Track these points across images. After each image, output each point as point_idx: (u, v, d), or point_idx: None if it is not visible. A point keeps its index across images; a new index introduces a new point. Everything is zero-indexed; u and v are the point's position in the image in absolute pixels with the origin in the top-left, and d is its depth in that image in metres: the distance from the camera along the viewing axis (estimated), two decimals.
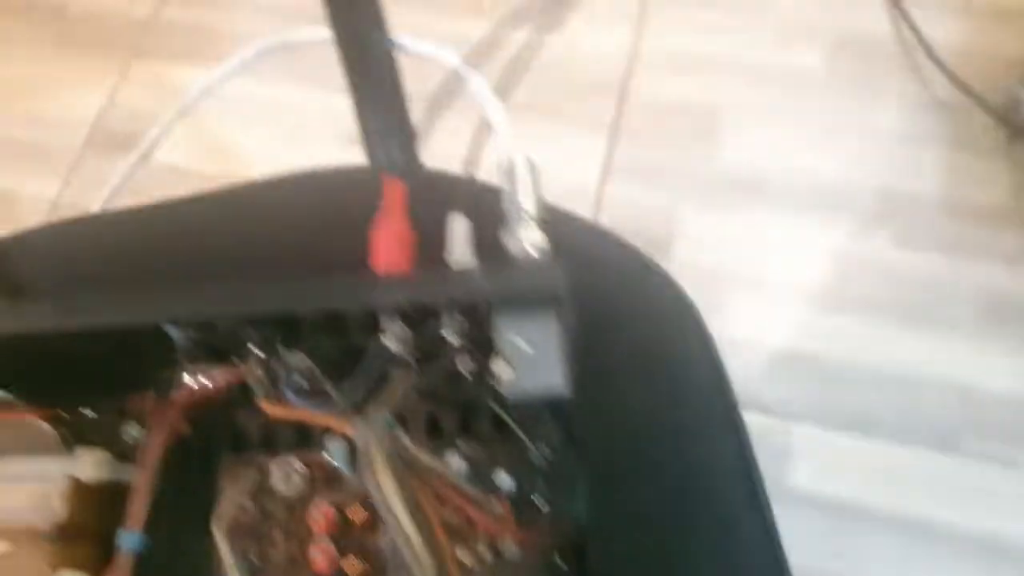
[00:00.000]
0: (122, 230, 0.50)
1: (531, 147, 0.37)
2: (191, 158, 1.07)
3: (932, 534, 0.84)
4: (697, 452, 0.37)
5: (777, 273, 1.00)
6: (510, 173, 0.35)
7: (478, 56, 1.10)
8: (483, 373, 0.33)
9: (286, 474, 0.35)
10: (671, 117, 1.09)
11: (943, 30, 1.06)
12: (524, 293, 0.31)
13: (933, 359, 0.93)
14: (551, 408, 0.32)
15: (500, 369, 0.31)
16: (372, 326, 0.33)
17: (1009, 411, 0.89)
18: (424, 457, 0.31)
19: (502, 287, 0.31)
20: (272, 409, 0.33)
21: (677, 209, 1.04)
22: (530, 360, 0.31)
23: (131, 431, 0.36)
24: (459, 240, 0.37)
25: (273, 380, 0.33)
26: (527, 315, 0.31)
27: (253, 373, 0.33)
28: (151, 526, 0.33)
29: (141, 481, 0.33)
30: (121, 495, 0.34)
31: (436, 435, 0.34)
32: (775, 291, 0.97)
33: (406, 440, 0.31)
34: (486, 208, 0.37)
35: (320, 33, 0.42)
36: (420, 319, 0.33)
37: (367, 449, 0.31)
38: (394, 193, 0.35)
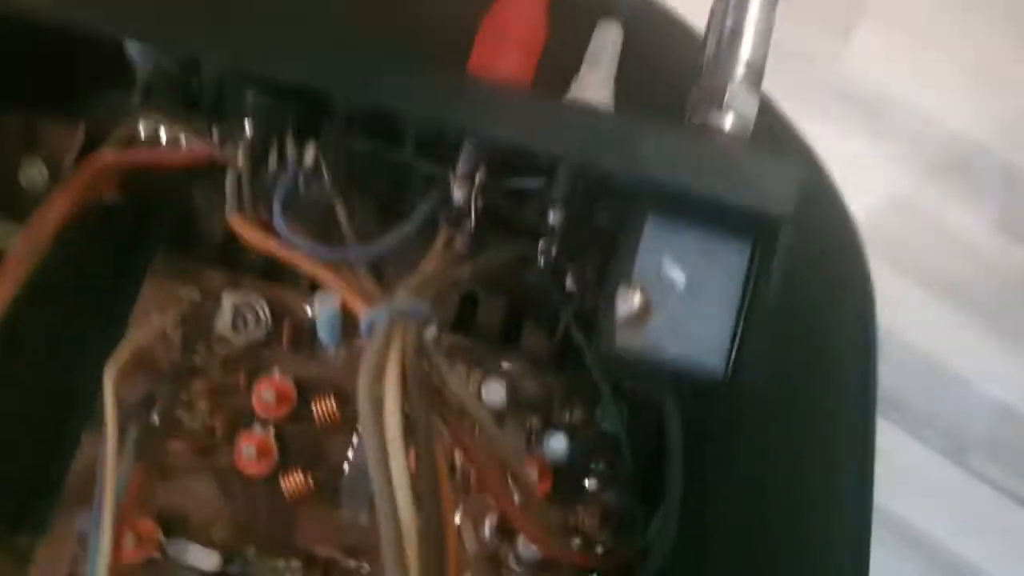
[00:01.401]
0: None
1: None
2: None
3: (911, 538, 0.77)
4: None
5: (856, 210, 0.86)
6: None
7: None
8: (584, 296, 0.21)
9: (240, 314, 0.23)
10: None
11: None
12: (717, 195, 0.18)
13: (982, 363, 0.82)
14: (675, 388, 0.20)
15: (621, 306, 0.18)
16: (438, 154, 0.20)
17: None
18: (456, 384, 0.19)
19: (679, 169, 0.18)
20: (245, 231, 0.20)
21: (776, 101, 0.88)
22: (680, 311, 0.18)
23: (34, 173, 0.24)
24: (605, 67, 0.23)
25: (260, 183, 0.21)
26: (704, 236, 0.18)
27: (234, 161, 0.20)
28: (16, 338, 0.21)
29: (17, 257, 0.21)
30: None
31: (477, 353, 0.22)
32: None
33: (439, 354, 0.19)
34: (668, 39, 0.23)
35: None
36: (514, 170, 0.20)
37: (377, 341, 0.18)
38: None
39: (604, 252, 0.21)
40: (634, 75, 0.24)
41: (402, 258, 0.21)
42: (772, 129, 0.29)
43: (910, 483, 0.79)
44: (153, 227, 0.24)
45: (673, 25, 0.29)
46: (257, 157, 0.20)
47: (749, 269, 0.18)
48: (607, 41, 0.24)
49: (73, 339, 0.24)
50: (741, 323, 0.18)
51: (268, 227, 0.20)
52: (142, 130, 0.22)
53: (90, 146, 0.24)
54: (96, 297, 0.24)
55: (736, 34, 0.20)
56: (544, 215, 0.20)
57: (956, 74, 0.87)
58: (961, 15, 0.89)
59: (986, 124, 0.87)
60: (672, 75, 0.22)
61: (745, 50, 0.20)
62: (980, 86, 0.87)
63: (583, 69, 0.24)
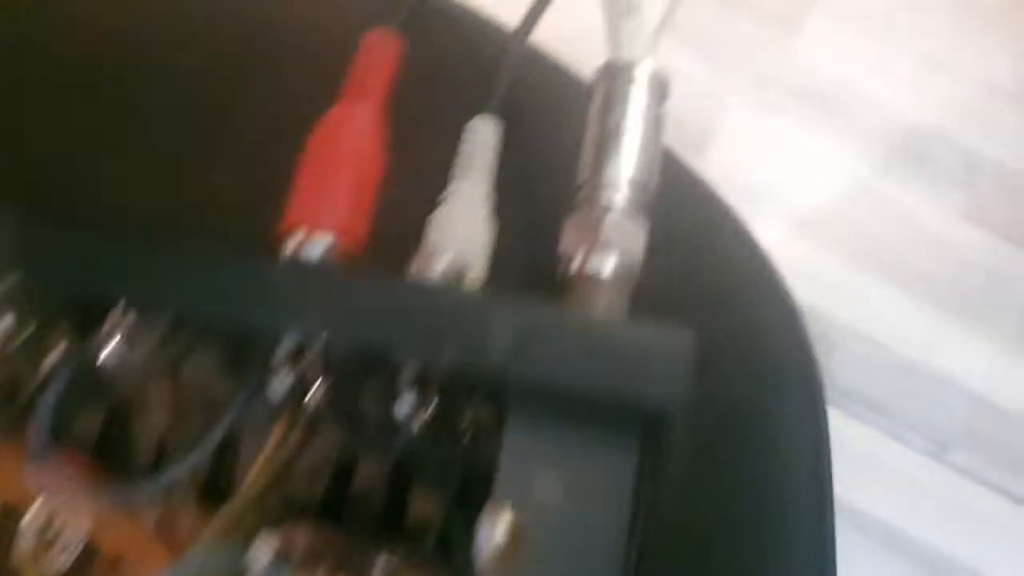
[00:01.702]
0: None
1: None
2: None
3: (894, 541, 0.74)
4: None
5: (812, 207, 0.83)
6: (617, 78, 0.17)
7: None
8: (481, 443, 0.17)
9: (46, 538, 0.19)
10: None
11: None
12: (588, 389, 0.14)
13: (953, 354, 0.79)
14: None
15: (484, 539, 0.14)
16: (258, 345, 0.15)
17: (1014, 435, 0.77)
18: None
19: (539, 361, 0.14)
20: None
21: (725, 99, 0.84)
22: (558, 533, 0.14)
23: None
24: (477, 172, 0.19)
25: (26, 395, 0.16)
26: (581, 435, 0.14)
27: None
28: None
29: None
30: None
31: (346, 553, 0.18)
32: (804, 226, 0.80)
33: None
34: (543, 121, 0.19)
35: None
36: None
37: None
38: (377, 59, 0.17)
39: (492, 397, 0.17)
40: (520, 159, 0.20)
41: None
42: (695, 202, 0.24)
43: (892, 484, 0.76)
44: None
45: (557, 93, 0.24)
46: (28, 352, 0.16)
47: (640, 468, 0.14)
48: (479, 142, 0.20)
49: None
50: (636, 534, 0.14)
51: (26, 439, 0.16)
52: None
53: None
54: None
55: (615, 146, 0.16)
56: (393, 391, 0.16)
57: (913, 63, 0.83)
58: (916, 3, 0.86)
59: (946, 112, 0.84)
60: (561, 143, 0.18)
61: (627, 165, 0.16)
62: (938, 74, 0.84)
63: (453, 181, 0.20)
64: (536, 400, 0.14)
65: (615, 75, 0.16)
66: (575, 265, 0.16)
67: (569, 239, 0.16)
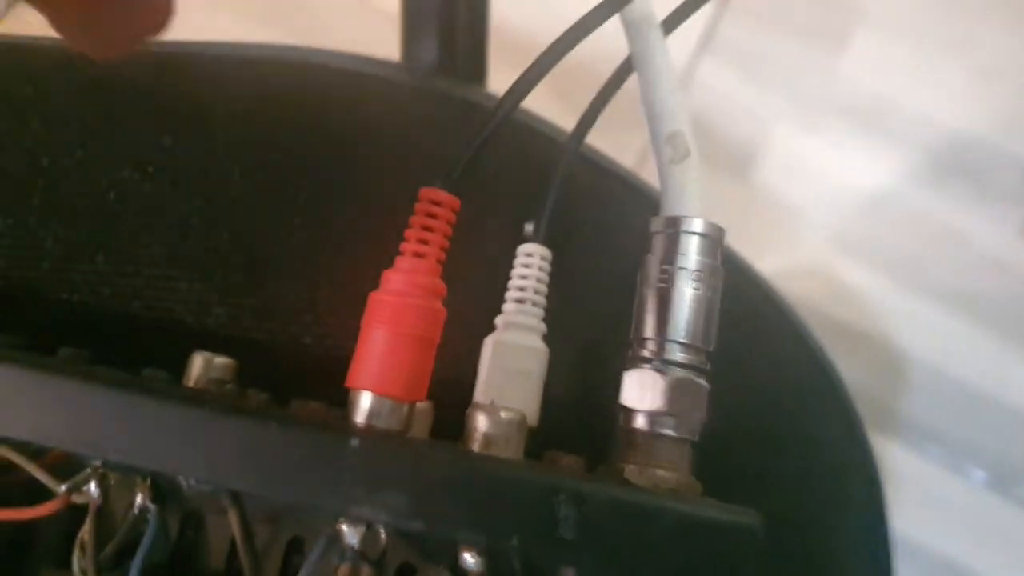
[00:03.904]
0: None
1: None
2: None
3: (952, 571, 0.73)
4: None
5: (858, 226, 0.82)
6: (672, 233, 0.17)
7: None
8: None
9: None
10: (797, 2, 0.86)
11: None
12: (652, 564, 0.14)
13: (1015, 382, 0.78)
14: None
15: None
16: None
17: None
18: None
19: (611, 550, 0.14)
20: None
21: (771, 117, 0.83)
22: None
23: None
24: (531, 301, 0.20)
25: (114, 552, 0.17)
26: None
27: (87, 531, 0.17)
28: None
29: None
30: None
31: None
32: (851, 247, 0.79)
33: None
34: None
35: None
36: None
37: None
38: (433, 222, 0.17)
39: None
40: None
41: None
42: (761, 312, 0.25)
43: (955, 519, 0.75)
44: (37, 542, 0.21)
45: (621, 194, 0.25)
46: (109, 517, 0.17)
47: None
48: (531, 266, 0.20)
49: None
50: None
51: None
52: None
53: None
54: None
55: (675, 304, 0.16)
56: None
57: (966, 75, 0.82)
58: (964, 15, 0.84)
59: (999, 126, 0.82)
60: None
61: (687, 324, 0.16)
62: (992, 85, 0.82)
63: (507, 308, 0.20)
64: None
65: (669, 228, 0.17)
66: (639, 423, 0.16)
67: (630, 394, 0.16)
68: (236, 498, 0.16)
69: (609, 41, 0.23)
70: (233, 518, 0.17)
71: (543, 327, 0.20)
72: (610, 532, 0.14)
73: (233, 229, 0.23)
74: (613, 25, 0.19)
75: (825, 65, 0.81)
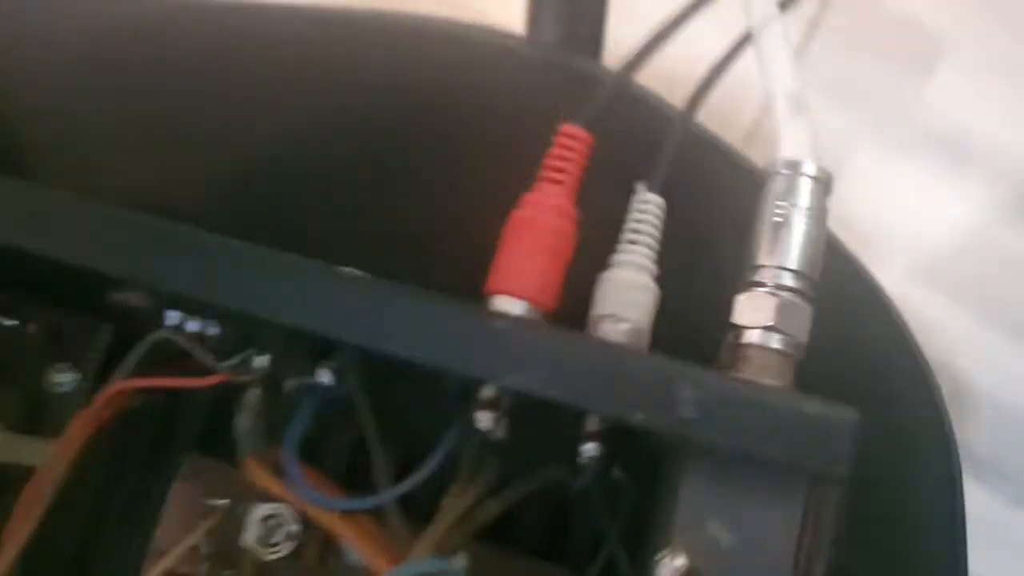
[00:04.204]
0: None
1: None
2: None
3: None
4: None
5: (938, 256, 0.81)
6: (788, 174, 0.19)
7: None
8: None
9: (269, 528, 0.22)
10: (886, 28, 0.87)
11: None
12: (763, 455, 0.16)
13: None
14: None
15: (666, 566, 0.16)
16: (467, 392, 0.18)
17: None
18: None
19: (719, 426, 0.16)
20: (260, 477, 0.19)
21: (854, 142, 0.84)
22: (730, 571, 0.16)
23: (61, 379, 0.23)
24: (644, 242, 0.22)
25: (276, 413, 0.20)
26: (750, 491, 0.16)
27: (249, 402, 0.19)
28: (44, 547, 0.21)
29: (43, 478, 0.20)
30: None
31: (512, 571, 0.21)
32: (929, 276, 0.79)
33: None
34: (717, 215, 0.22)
35: None
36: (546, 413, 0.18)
37: None
38: (571, 147, 0.20)
39: (651, 448, 0.19)
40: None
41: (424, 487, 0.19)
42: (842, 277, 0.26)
43: (1022, 554, 0.74)
44: (179, 426, 0.24)
45: (724, 168, 0.27)
46: (273, 387, 0.19)
47: (803, 524, 0.16)
48: (646, 212, 0.23)
49: (101, 545, 0.23)
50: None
51: (283, 470, 0.19)
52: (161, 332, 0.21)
53: (118, 343, 0.23)
54: (124, 500, 0.23)
55: (787, 236, 0.18)
56: (578, 435, 0.19)
57: None
58: None
59: None
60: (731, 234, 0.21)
61: (797, 254, 0.18)
62: None
63: (620, 249, 0.22)
64: (715, 457, 0.16)
65: (787, 170, 0.19)
66: (749, 338, 0.18)
67: (743, 314, 0.18)
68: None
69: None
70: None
71: (655, 268, 0.22)
72: (723, 416, 0.16)
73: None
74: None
75: (911, 90, 0.81)
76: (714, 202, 0.25)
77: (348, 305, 0.17)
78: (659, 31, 0.23)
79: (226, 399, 0.23)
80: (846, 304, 0.24)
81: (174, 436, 0.24)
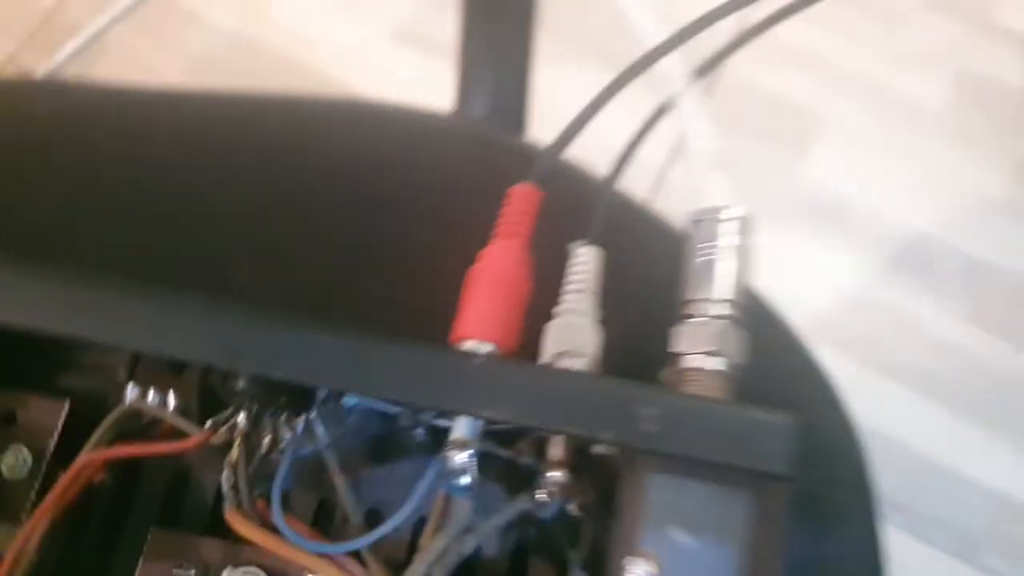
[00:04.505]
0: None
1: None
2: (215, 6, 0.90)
3: None
4: None
5: (820, 313, 0.88)
6: (714, 220, 0.21)
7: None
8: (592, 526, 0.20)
9: None
10: (765, 110, 0.95)
11: None
12: (716, 459, 0.18)
13: (976, 456, 0.82)
14: None
15: (635, 569, 0.18)
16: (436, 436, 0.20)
17: None
18: None
19: (676, 437, 0.18)
20: (244, 528, 0.20)
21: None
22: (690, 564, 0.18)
23: (15, 460, 0.23)
24: (587, 290, 0.24)
25: (253, 466, 0.20)
26: (706, 493, 0.18)
27: (237, 454, 0.20)
28: None
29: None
30: None
31: None
32: (819, 332, 0.85)
33: None
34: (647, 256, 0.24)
35: None
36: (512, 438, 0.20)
37: None
38: (522, 205, 0.22)
39: (605, 480, 0.20)
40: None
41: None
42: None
43: None
44: (140, 499, 0.24)
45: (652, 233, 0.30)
46: (251, 442, 0.20)
47: (759, 522, 0.18)
48: (586, 264, 0.25)
49: None
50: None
51: (264, 518, 0.20)
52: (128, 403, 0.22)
53: (74, 419, 0.23)
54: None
55: (717, 272, 0.21)
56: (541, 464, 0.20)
57: (910, 180, 0.90)
58: (908, 127, 0.94)
59: (944, 222, 0.90)
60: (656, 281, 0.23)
61: (727, 286, 0.21)
62: (937, 189, 0.91)
63: (564, 297, 0.24)
64: (674, 466, 0.18)
65: (712, 217, 0.21)
66: (691, 363, 0.20)
67: (683, 343, 0.20)
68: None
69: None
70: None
71: (598, 313, 0.24)
72: (680, 428, 0.18)
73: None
74: None
75: (791, 167, 0.89)
76: (638, 255, 0.28)
77: (332, 355, 0.18)
78: (583, 110, 0.25)
79: (183, 473, 0.24)
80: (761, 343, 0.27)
81: (132, 512, 0.24)
